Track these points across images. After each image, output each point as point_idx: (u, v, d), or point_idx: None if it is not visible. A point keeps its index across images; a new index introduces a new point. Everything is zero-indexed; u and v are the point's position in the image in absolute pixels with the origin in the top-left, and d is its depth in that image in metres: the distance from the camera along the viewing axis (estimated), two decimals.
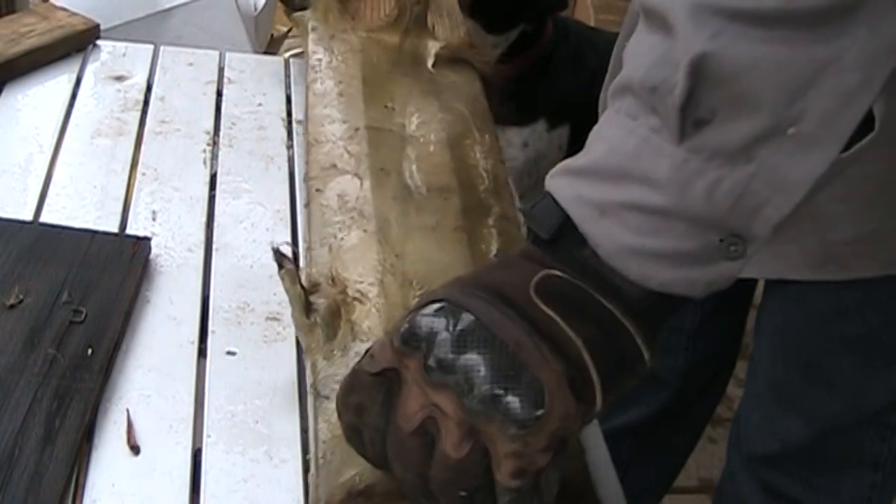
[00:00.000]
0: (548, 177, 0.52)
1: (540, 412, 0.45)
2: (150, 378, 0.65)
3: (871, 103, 0.45)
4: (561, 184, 0.50)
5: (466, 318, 0.46)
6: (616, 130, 0.49)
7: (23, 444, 0.57)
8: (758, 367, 0.98)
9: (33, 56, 0.94)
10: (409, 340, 0.47)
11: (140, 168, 0.84)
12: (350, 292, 0.65)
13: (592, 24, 1.91)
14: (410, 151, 0.79)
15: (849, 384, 0.90)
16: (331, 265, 0.67)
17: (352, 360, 0.60)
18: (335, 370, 0.61)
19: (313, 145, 0.79)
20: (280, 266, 0.63)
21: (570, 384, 0.45)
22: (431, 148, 0.80)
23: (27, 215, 0.77)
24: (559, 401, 0.45)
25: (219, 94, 0.96)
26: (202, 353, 0.68)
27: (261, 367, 0.67)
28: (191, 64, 1.00)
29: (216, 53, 1.02)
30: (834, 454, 0.95)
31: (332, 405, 0.58)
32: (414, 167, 0.77)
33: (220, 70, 1.00)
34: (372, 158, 0.77)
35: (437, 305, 0.48)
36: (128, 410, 0.62)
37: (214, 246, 0.77)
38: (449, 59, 0.92)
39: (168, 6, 1.13)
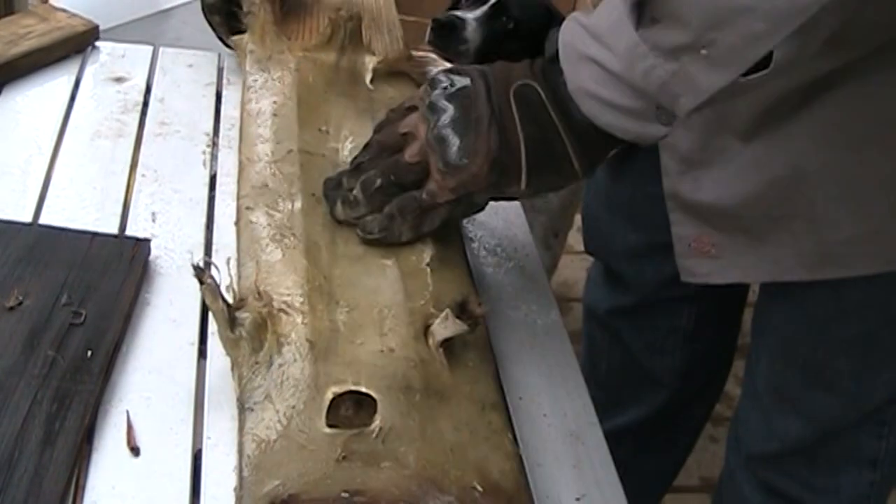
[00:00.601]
0: (569, 16, 0.69)
1: (461, 163, 0.68)
2: (150, 380, 0.65)
3: (770, 48, 0.58)
4: (569, 26, 0.68)
5: (462, 82, 0.70)
6: (614, 3, 0.65)
7: (23, 446, 0.57)
8: (755, 368, 0.98)
9: (32, 57, 0.94)
10: (435, 82, 0.71)
11: (140, 169, 0.84)
12: (276, 304, 0.65)
13: None
14: None
15: (847, 384, 0.90)
16: (256, 278, 0.68)
17: (276, 370, 0.61)
18: (259, 382, 0.61)
19: (245, 164, 0.79)
20: (201, 282, 0.63)
21: (495, 160, 0.68)
22: None
23: (27, 217, 0.77)
24: (478, 165, 0.68)
25: (218, 95, 0.96)
26: (202, 354, 0.68)
27: None
28: (190, 65, 1.00)
29: (215, 55, 1.01)
30: (832, 453, 0.95)
31: (257, 416, 0.58)
32: None
33: (220, 71, 1.00)
34: (303, 182, 0.76)
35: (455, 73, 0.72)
36: (128, 412, 0.62)
37: (214, 247, 0.77)
38: (387, 72, 0.92)
39: (167, 6, 1.12)
